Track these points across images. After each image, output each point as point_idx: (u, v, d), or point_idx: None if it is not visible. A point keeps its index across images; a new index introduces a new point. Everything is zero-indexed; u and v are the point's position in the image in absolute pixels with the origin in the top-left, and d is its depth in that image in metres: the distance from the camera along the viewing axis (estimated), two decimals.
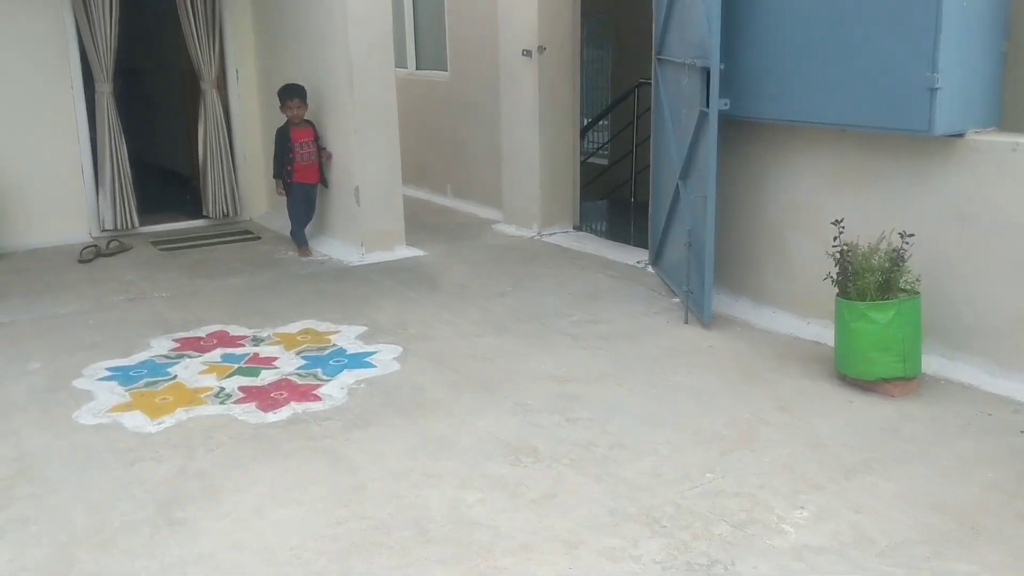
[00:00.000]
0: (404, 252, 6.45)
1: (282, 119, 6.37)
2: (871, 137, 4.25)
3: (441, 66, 8.21)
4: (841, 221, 4.01)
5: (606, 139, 10.19)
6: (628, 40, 9.12)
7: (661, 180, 5.63)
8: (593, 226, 7.18)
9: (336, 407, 3.89)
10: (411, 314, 5.11)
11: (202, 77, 7.12)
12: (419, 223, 7.07)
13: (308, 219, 6.51)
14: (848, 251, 3.91)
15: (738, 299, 5.02)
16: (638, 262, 6.07)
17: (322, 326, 4.95)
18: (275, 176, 6.49)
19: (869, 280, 3.80)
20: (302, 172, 6.34)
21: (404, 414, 3.81)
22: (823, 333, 4.53)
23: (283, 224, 7.15)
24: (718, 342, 4.58)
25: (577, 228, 7.06)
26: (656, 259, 5.80)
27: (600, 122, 10.01)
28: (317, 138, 6.39)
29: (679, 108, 5.13)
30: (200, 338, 4.78)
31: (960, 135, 3.91)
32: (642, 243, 6.57)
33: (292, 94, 6.26)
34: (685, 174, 5.08)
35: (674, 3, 5.16)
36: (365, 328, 4.89)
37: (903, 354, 3.83)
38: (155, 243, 6.83)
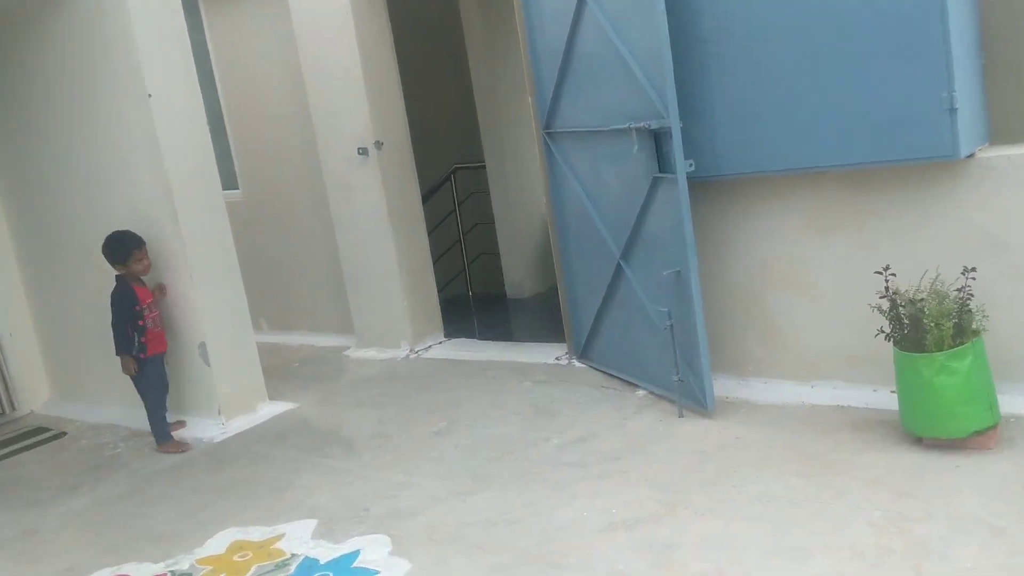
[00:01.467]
0: (271, 409, 5.23)
1: (99, 282, 4.98)
2: (856, 174, 3.89)
3: (230, 184, 7.02)
4: (887, 269, 3.57)
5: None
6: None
7: (580, 263, 4.98)
8: (463, 330, 6.34)
9: None
10: (354, 488, 4.00)
11: None
12: None
13: (165, 398, 5.02)
14: (911, 300, 3.47)
15: (717, 377, 4.45)
16: (558, 358, 5.35)
17: (254, 533, 3.71)
18: (121, 352, 4.85)
19: (946, 327, 3.38)
20: (155, 340, 4.89)
21: None
22: (836, 395, 4.11)
23: (80, 410, 5.65)
24: (740, 432, 3.97)
25: (448, 336, 6.20)
26: (585, 351, 5.12)
27: None
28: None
29: (607, 180, 4.53)
30: None
31: (971, 155, 3.65)
32: (535, 338, 5.89)
33: (138, 243, 4.80)
34: (628, 252, 4.47)
35: (568, 70, 4.59)
36: (314, 521, 3.73)
37: (988, 401, 3.44)
38: None
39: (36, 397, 5.96)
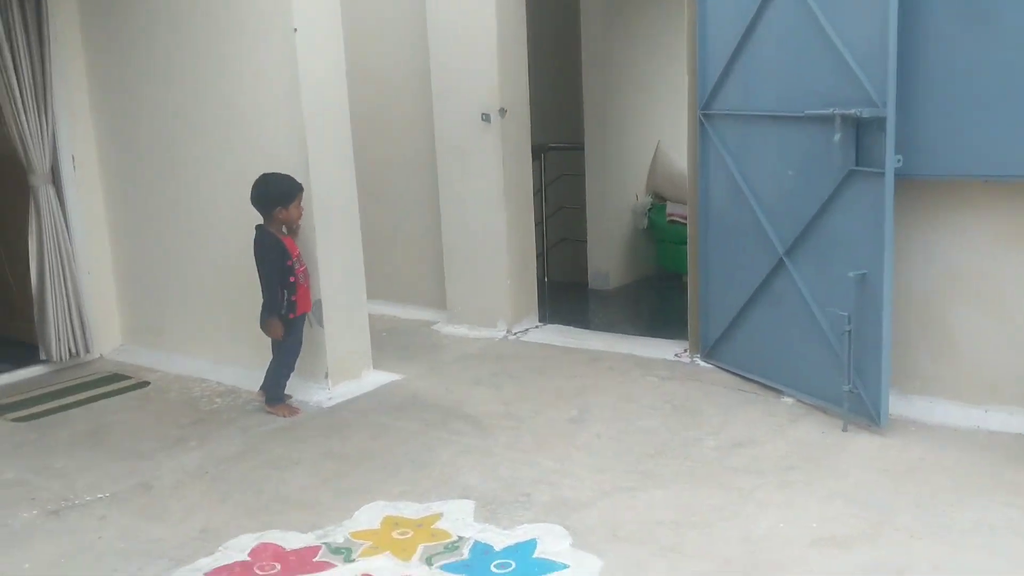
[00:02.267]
0: (375, 378, 4.92)
1: (238, 229, 4.57)
2: None
3: None
4: None
5: None
6: None
7: (723, 256, 4.70)
8: (553, 316, 6.04)
9: None
10: (503, 471, 3.71)
11: (32, 168, 5.09)
12: None
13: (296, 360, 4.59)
14: None
15: None
16: (677, 355, 5.07)
17: (406, 509, 3.41)
18: (271, 314, 4.34)
19: None
20: (304, 298, 4.43)
21: None
22: (1015, 422, 3.87)
23: (159, 359, 5.32)
24: (920, 452, 3.71)
25: (543, 321, 5.91)
26: (714, 350, 4.84)
27: None
28: None
29: (777, 169, 4.25)
30: (245, 565, 3.06)
31: None
32: (639, 331, 5.65)
33: (299, 186, 4.36)
34: (795, 248, 4.21)
35: (747, 49, 4.31)
36: (470, 502, 3.43)
37: None
38: None
39: (107, 342, 5.59)
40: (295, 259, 4.37)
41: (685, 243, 6.82)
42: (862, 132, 3.78)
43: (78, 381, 5.12)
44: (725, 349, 4.78)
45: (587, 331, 5.71)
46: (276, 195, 4.30)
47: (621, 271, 7.04)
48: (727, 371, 4.75)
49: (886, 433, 3.89)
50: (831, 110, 3.80)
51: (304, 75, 4.44)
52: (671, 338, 5.45)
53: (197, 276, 5.14)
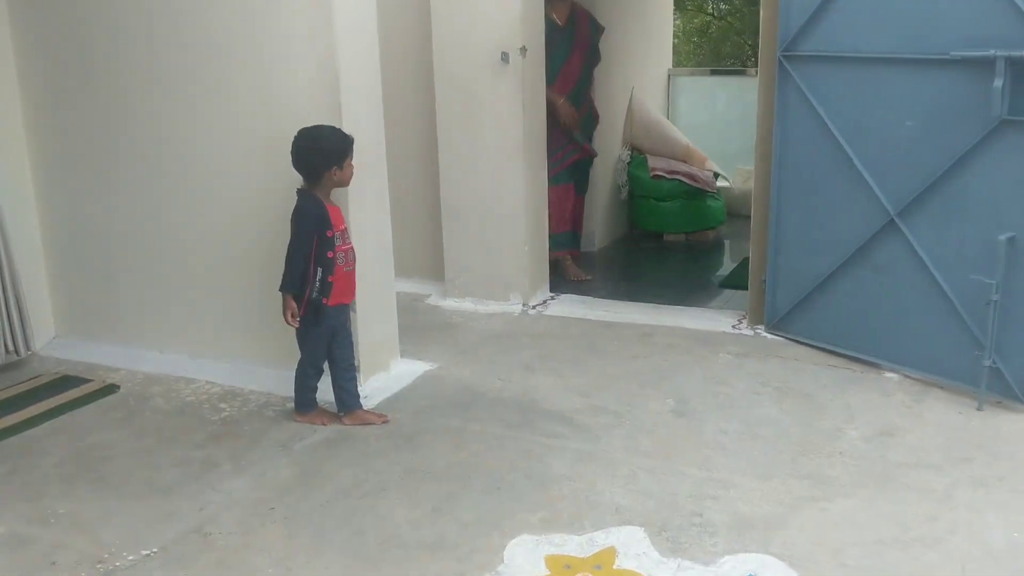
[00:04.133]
0: (406, 368, 4.15)
1: (277, 188, 3.65)
2: None
3: None
4: None
5: None
6: None
7: (803, 219, 4.20)
8: (557, 283, 5.40)
9: None
10: (646, 483, 3.08)
11: None
12: None
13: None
14: None
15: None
16: (735, 326, 4.58)
17: (566, 544, 2.74)
18: (288, 289, 3.44)
19: None
20: (344, 283, 3.54)
21: None
22: None
23: (115, 355, 4.34)
24: None
25: (555, 292, 5.26)
26: (783, 321, 4.37)
27: None
28: None
29: (890, 119, 3.76)
30: None
31: None
32: (664, 299, 5.11)
33: (350, 141, 3.48)
34: (912, 208, 3.76)
35: None
36: (638, 529, 2.80)
37: None
38: None
39: (41, 335, 4.50)
40: (338, 232, 3.51)
41: (667, 200, 6.43)
42: (1021, 78, 3.34)
43: (22, 388, 4.05)
44: (800, 320, 4.31)
45: (612, 301, 5.11)
46: (330, 152, 3.41)
47: (605, 230, 6.47)
48: (804, 344, 4.29)
49: None
50: (991, 51, 3.33)
51: (340, 19, 3.55)
52: (703, 305, 4.97)
53: (169, 251, 4.16)
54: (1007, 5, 3.32)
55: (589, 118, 5.63)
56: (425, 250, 5.31)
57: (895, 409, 3.63)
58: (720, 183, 6.78)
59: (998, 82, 3.33)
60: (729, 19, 14.98)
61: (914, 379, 3.88)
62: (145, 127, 4.05)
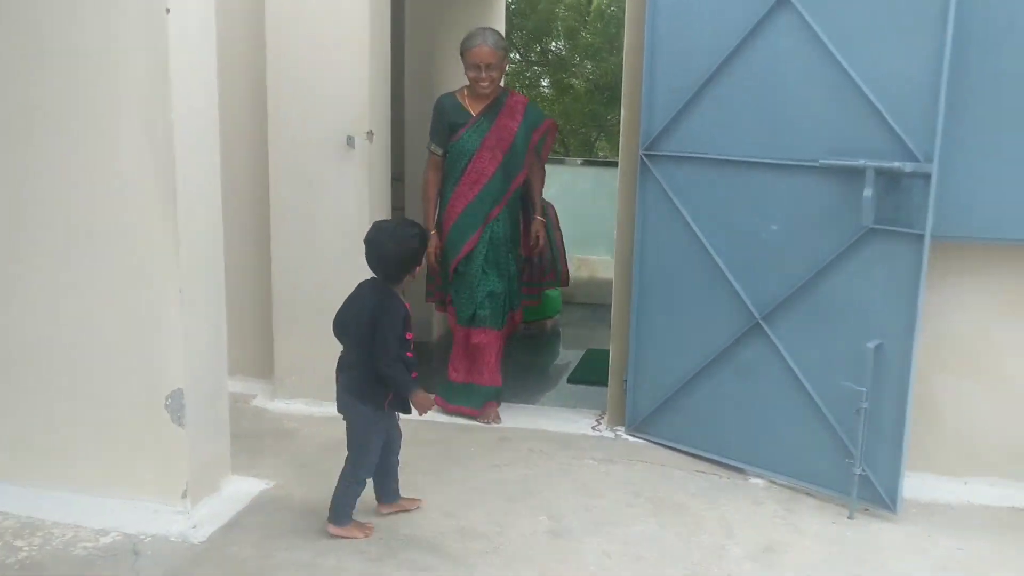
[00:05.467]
0: (239, 488, 3.64)
1: None
2: None
3: None
4: None
5: None
6: None
7: (666, 320, 4.09)
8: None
9: None
10: None
11: None
12: None
13: None
14: None
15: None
16: (594, 427, 4.38)
17: None
18: (410, 389, 3.21)
19: None
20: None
21: None
22: (996, 493, 3.73)
23: None
24: (956, 542, 3.38)
25: None
26: (645, 423, 4.22)
27: None
28: None
29: (755, 224, 3.73)
30: None
31: None
32: (526, 399, 4.87)
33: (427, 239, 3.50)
34: (778, 313, 3.73)
35: (723, 83, 3.75)
36: None
37: None
38: None
39: None
40: (409, 339, 3.23)
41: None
42: (889, 187, 3.39)
43: None
44: (663, 422, 4.17)
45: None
46: (416, 252, 3.21)
47: (442, 320, 6.17)
48: (668, 447, 4.14)
49: (899, 520, 3.51)
50: (861, 161, 3.36)
51: (176, 70, 3.10)
52: (556, 403, 4.77)
53: None
54: (876, 117, 3.37)
55: (505, 233, 4.52)
56: (250, 345, 4.79)
57: (769, 520, 3.51)
58: None
59: (868, 191, 3.35)
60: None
61: (781, 485, 3.80)
62: None
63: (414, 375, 3.19)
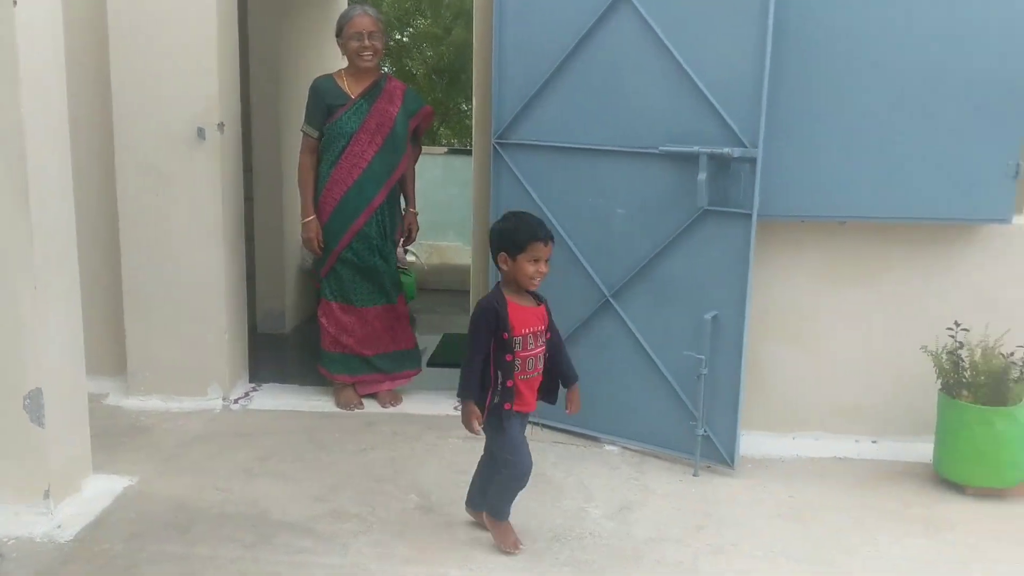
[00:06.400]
0: (100, 486, 3.58)
1: None
2: (880, 228, 3.98)
3: None
4: (959, 325, 3.70)
5: None
6: None
7: None
8: (265, 375, 5.02)
9: None
10: None
11: None
12: None
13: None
14: (999, 355, 3.62)
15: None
16: (456, 407, 4.54)
17: None
18: (464, 396, 3.06)
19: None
20: (528, 390, 3.15)
21: None
22: (820, 446, 4.13)
23: None
24: (789, 491, 3.74)
25: (256, 382, 4.89)
26: None
27: None
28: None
29: (599, 207, 3.98)
30: None
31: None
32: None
33: (539, 236, 3.08)
34: (625, 291, 4.00)
35: (568, 74, 3.97)
36: None
37: None
38: None
39: None
40: (518, 337, 3.06)
41: None
42: (720, 172, 3.70)
43: None
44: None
45: (321, 387, 4.83)
46: (502, 234, 3.09)
47: (294, 311, 6.17)
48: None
49: (737, 474, 3.86)
50: (695, 148, 3.65)
51: (26, 64, 3.03)
52: (416, 387, 4.89)
53: None
54: (708, 106, 3.66)
55: (390, 221, 4.54)
56: (100, 343, 4.65)
57: (624, 483, 3.77)
58: (409, 258, 6.78)
59: (702, 176, 3.65)
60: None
61: (633, 450, 4.08)
62: None
63: (509, 382, 3.05)
